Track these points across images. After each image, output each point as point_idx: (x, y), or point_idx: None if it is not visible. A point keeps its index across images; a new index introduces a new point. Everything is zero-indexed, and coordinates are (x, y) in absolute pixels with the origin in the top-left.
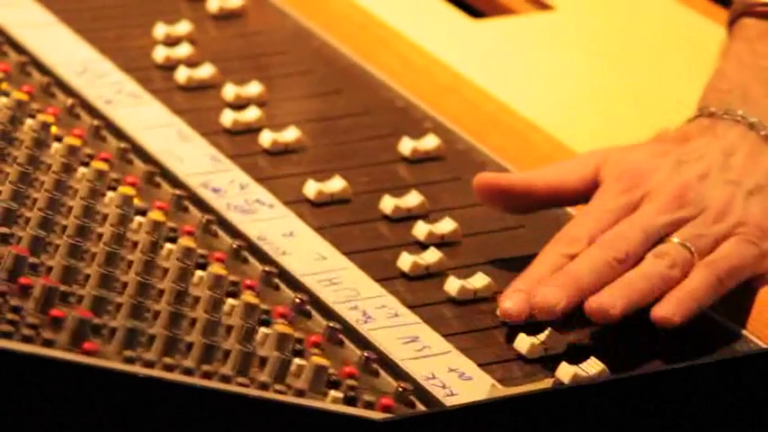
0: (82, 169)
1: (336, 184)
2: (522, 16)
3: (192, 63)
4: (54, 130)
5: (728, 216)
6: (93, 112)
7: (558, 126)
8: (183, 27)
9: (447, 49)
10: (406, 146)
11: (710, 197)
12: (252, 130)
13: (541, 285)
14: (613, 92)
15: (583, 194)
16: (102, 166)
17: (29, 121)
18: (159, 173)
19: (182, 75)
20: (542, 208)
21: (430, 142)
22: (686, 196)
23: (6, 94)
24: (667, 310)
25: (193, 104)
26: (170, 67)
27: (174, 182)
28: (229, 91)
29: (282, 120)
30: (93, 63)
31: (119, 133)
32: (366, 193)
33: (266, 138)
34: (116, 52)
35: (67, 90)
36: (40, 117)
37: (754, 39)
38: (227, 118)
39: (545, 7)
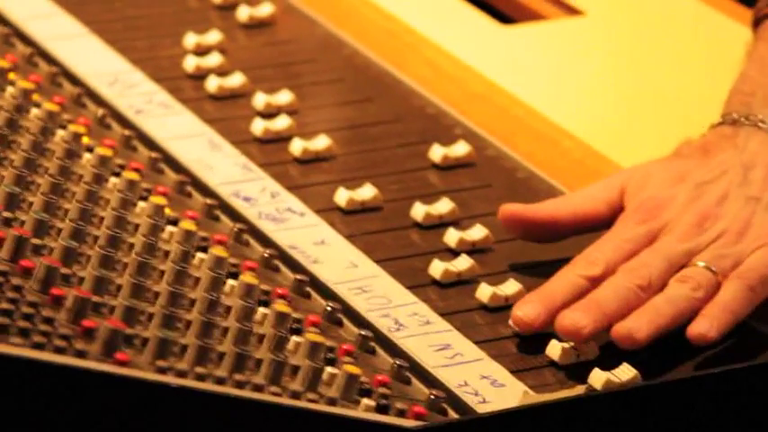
0: (113, 179)
1: (367, 192)
2: (551, 22)
3: (222, 72)
4: (85, 140)
5: (749, 233)
6: (123, 122)
7: (589, 131)
8: (214, 36)
9: (477, 56)
10: (437, 153)
11: (730, 218)
12: (282, 139)
13: (567, 310)
14: (644, 97)
15: (610, 219)
16: (134, 176)
17: (60, 132)
18: (190, 182)
19: (212, 84)
20: (571, 236)
21: (460, 149)
22: (705, 224)
23: (38, 105)
24: (702, 326)
25: (224, 113)
26: (200, 76)
27: (205, 191)
28: (260, 100)
29: (313, 128)
30: (123, 73)
31: (150, 143)
32: (397, 201)
33: (297, 146)
34: (147, 62)
35: (98, 100)
36: (72, 128)
37: None
38: (258, 127)
39: (575, 12)
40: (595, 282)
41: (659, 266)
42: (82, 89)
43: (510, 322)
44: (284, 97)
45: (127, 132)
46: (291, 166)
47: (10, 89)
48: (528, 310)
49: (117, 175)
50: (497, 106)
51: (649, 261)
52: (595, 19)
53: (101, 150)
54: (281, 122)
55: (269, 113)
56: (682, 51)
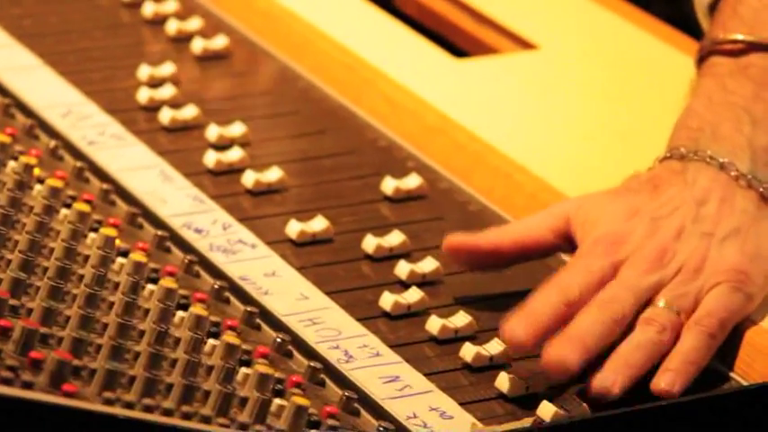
0: (64, 211)
1: (319, 224)
2: (505, 55)
3: (175, 104)
4: (37, 171)
5: (706, 269)
6: (76, 153)
7: (543, 165)
8: (167, 68)
9: (431, 89)
10: (389, 185)
11: (687, 254)
12: (235, 171)
13: (553, 345)
14: (599, 131)
15: (555, 245)
16: (85, 207)
17: (11, 163)
18: (142, 214)
19: (165, 116)
20: (515, 263)
21: (412, 181)
22: (665, 258)
23: None
24: (667, 381)
25: (177, 145)
26: (154, 108)
27: (157, 223)
28: (213, 131)
29: (265, 160)
30: (77, 105)
31: (102, 175)
32: (348, 233)
33: (249, 178)
34: (100, 94)
35: (51, 132)
36: (23, 159)
37: (724, 75)
38: (210, 158)
39: (529, 46)
40: (571, 306)
41: (629, 300)
42: (34, 120)
43: (502, 338)
44: (237, 129)
45: (79, 164)
46: (243, 198)
47: None
48: (517, 328)
49: (68, 206)
50: (452, 139)
51: (619, 295)
52: (549, 52)
53: (52, 182)
54: (234, 154)
55: (222, 145)
56: (638, 85)
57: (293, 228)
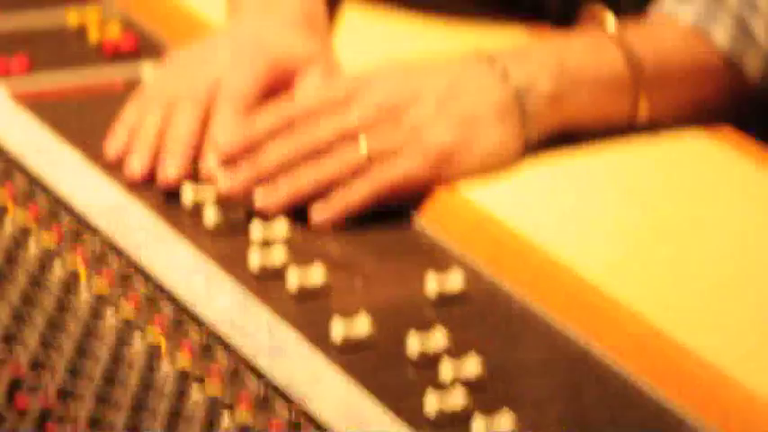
0: (109, 315)
1: (362, 326)
2: None
3: (219, 203)
4: (83, 276)
5: (420, 134)
6: (122, 255)
7: (595, 270)
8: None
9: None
10: (432, 284)
11: (415, 115)
12: (278, 271)
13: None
14: (625, 213)
15: None
16: (129, 310)
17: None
18: (186, 316)
19: (209, 216)
20: None
21: (455, 280)
22: (395, 109)
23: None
24: (321, 216)
25: (221, 246)
26: (198, 208)
27: (202, 325)
28: (256, 230)
29: (309, 258)
30: (121, 205)
31: (147, 277)
32: (392, 333)
33: (293, 278)
34: (144, 193)
35: (96, 233)
36: (69, 262)
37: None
38: (255, 259)
39: None
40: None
41: (328, 130)
42: (80, 223)
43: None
44: (280, 227)
45: (124, 266)
46: (287, 299)
47: (8, 223)
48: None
49: (113, 309)
50: (492, 236)
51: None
52: None
53: (98, 286)
54: (277, 254)
55: (265, 244)
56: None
57: (338, 330)
